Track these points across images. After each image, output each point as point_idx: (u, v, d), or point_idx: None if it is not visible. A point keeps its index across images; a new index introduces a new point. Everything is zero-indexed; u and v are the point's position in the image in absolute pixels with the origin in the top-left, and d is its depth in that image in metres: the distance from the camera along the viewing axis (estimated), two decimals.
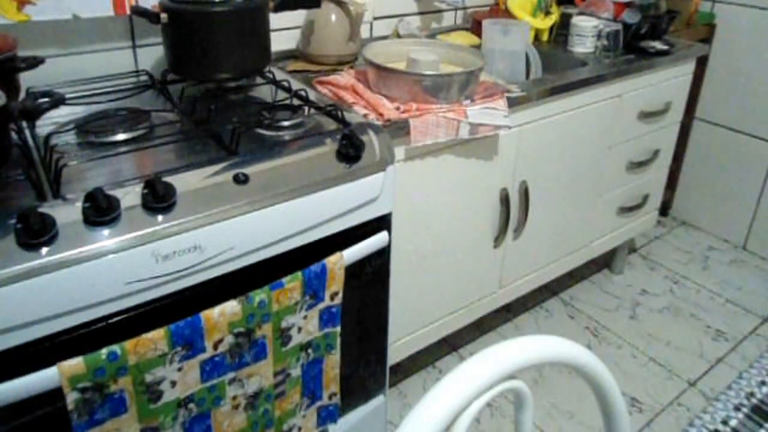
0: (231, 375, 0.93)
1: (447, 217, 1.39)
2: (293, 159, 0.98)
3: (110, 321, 0.83)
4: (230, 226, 0.89)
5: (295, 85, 1.24)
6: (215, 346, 0.89)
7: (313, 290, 0.98)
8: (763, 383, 1.70)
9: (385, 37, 1.68)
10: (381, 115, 1.17)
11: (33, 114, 0.89)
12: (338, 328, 1.06)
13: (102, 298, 0.80)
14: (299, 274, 0.95)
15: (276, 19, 1.40)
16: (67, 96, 1.07)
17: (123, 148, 0.97)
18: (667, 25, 1.84)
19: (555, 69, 1.67)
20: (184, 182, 0.88)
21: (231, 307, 0.88)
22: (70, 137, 1.00)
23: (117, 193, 0.83)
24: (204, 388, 0.91)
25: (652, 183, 1.99)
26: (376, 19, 1.70)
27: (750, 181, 2.27)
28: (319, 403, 1.11)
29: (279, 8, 1.25)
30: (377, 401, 1.30)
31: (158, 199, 0.83)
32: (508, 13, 1.74)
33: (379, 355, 1.26)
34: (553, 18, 1.79)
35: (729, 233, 2.39)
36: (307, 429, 1.11)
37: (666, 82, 1.80)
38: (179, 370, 0.86)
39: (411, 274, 1.39)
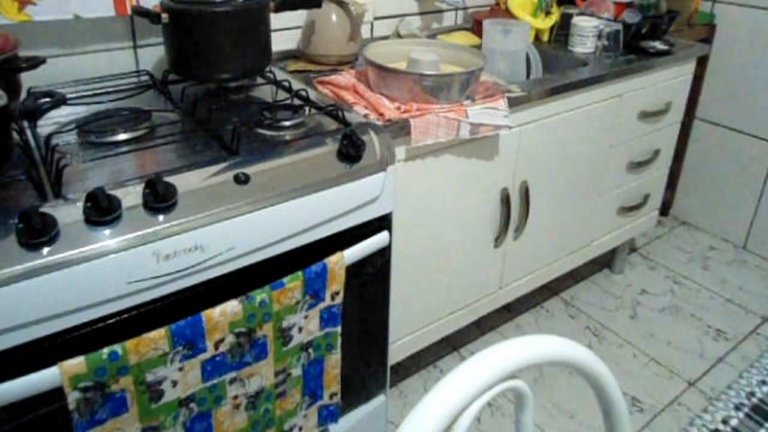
0: (232, 375, 0.93)
1: (448, 217, 1.39)
2: (294, 159, 0.98)
3: (111, 321, 0.83)
4: (231, 225, 0.89)
5: (296, 85, 1.24)
6: (216, 346, 0.89)
7: (314, 290, 0.98)
8: (763, 383, 1.70)
9: (385, 37, 1.68)
10: (381, 115, 1.17)
11: (34, 114, 0.89)
12: (339, 328, 1.06)
13: (103, 297, 0.80)
14: (300, 273, 0.95)
15: (276, 19, 1.40)
16: (68, 96, 1.08)
17: (124, 148, 0.98)
18: (668, 26, 1.84)
19: (555, 69, 1.68)
20: (185, 182, 0.88)
21: (232, 306, 0.88)
22: (72, 137, 1.00)
23: (118, 192, 0.83)
24: (205, 387, 0.91)
25: (652, 183, 1.99)
26: (376, 19, 1.70)
27: (750, 181, 2.27)
28: (319, 403, 1.11)
29: (279, 8, 1.25)
30: (378, 401, 1.30)
31: (159, 198, 0.83)
32: (508, 13, 1.75)
33: (379, 355, 1.26)
34: (554, 18, 1.79)
35: (729, 233, 2.39)
36: (307, 428, 1.11)
37: (666, 82, 1.80)
38: (180, 369, 0.86)
39: (412, 273, 1.39)
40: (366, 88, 1.27)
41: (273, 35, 1.26)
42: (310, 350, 1.03)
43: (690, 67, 1.87)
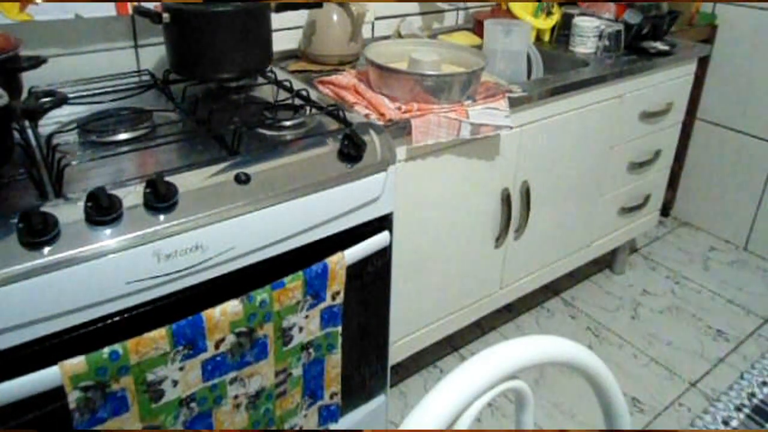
0: (232, 374, 0.93)
1: (448, 217, 1.39)
2: (295, 159, 0.98)
3: (112, 320, 0.83)
4: (231, 225, 0.89)
5: (297, 85, 1.24)
6: (217, 346, 0.89)
7: (315, 290, 0.98)
8: (764, 383, 1.69)
9: (386, 37, 1.68)
10: (382, 115, 1.17)
11: (35, 114, 0.89)
12: (339, 328, 1.06)
13: (104, 297, 0.80)
14: (300, 273, 0.95)
15: (278, 19, 1.40)
16: (70, 96, 1.07)
17: (125, 148, 0.98)
18: (669, 26, 1.84)
19: (556, 69, 1.67)
20: (185, 182, 0.88)
21: (232, 306, 0.88)
22: (73, 137, 1.00)
23: (119, 192, 0.83)
24: (205, 387, 0.91)
25: (653, 183, 1.99)
26: (377, 19, 1.70)
27: (751, 182, 2.27)
28: (320, 403, 1.11)
29: (280, 8, 1.25)
30: (378, 401, 1.30)
31: (160, 198, 0.83)
32: (509, 14, 1.74)
33: (380, 355, 1.26)
34: (555, 18, 1.79)
35: (730, 233, 2.39)
36: (308, 428, 1.11)
37: (667, 83, 1.80)
38: (181, 369, 0.86)
39: (412, 273, 1.39)
40: (367, 88, 1.27)
41: (274, 35, 1.26)
42: (311, 350, 1.04)
43: (691, 68, 1.87)
